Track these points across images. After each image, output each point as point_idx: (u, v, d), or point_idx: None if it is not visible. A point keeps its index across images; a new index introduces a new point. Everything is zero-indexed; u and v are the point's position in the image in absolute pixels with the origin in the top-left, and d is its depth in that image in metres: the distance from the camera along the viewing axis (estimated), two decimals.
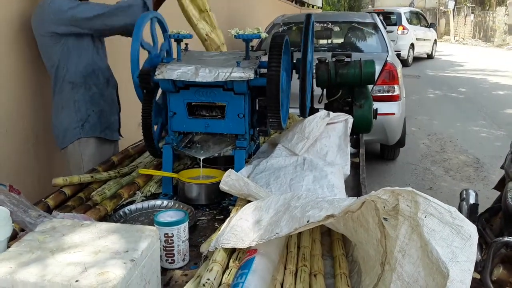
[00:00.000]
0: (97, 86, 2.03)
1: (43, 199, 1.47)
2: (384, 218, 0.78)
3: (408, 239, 0.72)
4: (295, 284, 0.96)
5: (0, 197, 1.02)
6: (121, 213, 1.39)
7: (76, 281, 0.75)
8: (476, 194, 2.44)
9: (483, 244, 2.03)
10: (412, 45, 12.65)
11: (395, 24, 12.28)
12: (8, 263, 0.81)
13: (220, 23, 2.74)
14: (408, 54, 12.33)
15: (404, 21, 12.68)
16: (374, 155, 4.88)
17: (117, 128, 2.17)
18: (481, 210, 2.30)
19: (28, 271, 0.79)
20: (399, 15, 12.72)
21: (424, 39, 13.92)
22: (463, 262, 0.64)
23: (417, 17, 14.24)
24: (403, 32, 12.33)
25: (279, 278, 0.97)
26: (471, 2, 23.61)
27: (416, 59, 13.62)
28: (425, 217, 0.69)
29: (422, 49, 13.86)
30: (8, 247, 0.89)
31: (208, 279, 0.90)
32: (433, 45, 14.77)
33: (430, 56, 14.70)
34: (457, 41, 23.67)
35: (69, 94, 1.96)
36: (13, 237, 1.00)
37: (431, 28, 14.47)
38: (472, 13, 23.28)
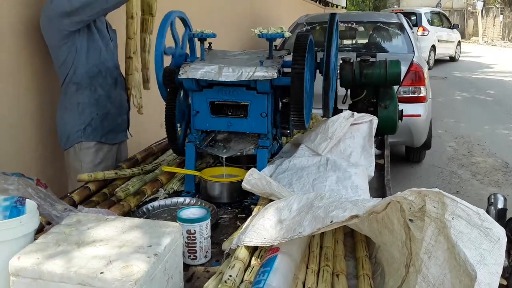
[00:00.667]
0: (104, 88, 1.95)
1: (68, 194, 1.50)
2: (410, 220, 0.77)
3: (435, 240, 0.71)
4: (317, 284, 0.95)
5: (28, 190, 1.05)
6: (144, 209, 1.41)
7: (101, 273, 0.77)
8: (505, 199, 2.37)
9: (510, 250, 1.97)
10: (433, 47, 12.21)
11: (415, 25, 11.79)
12: (36, 254, 0.83)
13: (243, 23, 2.68)
14: (429, 56, 11.85)
15: (425, 22, 12.21)
16: (399, 157, 4.81)
17: (124, 128, 2.11)
18: (509, 215, 2.23)
19: (55, 263, 0.80)
20: (419, 15, 12.25)
21: (447, 41, 13.39)
22: (491, 265, 0.63)
23: (439, 18, 13.70)
24: (423, 33, 11.88)
25: (301, 277, 0.97)
26: (500, 3, 22.99)
27: (440, 61, 13.27)
28: (453, 218, 0.67)
29: (444, 51, 13.35)
30: (35, 239, 0.91)
31: (230, 276, 0.90)
32: (456, 47, 14.25)
33: (453, 59, 14.15)
34: (485, 42, 23.10)
35: (73, 96, 1.91)
36: (40, 230, 1.03)
37: (454, 29, 13.99)
38: (501, 13, 22.68)
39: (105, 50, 1.96)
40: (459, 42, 14.56)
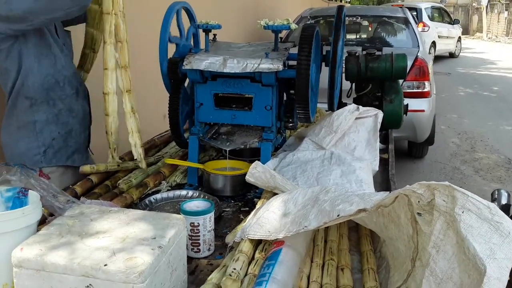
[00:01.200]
0: (64, 101, 1.63)
1: (70, 186, 1.50)
2: (418, 213, 0.76)
3: (443, 235, 0.70)
4: (322, 277, 0.94)
5: (31, 181, 1.04)
6: (146, 201, 1.40)
7: (105, 265, 0.76)
8: (509, 195, 2.35)
9: None
10: (433, 43, 12.00)
11: (415, 21, 11.67)
12: (39, 245, 0.82)
13: (247, 16, 2.63)
14: (429, 53, 11.80)
15: (425, 18, 11.92)
16: (402, 152, 4.79)
17: (87, 146, 1.81)
18: None
19: (58, 254, 0.80)
20: (419, 11, 11.87)
21: (447, 37, 13.13)
22: (501, 259, 0.62)
23: (440, 13, 13.38)
24: (424, 29, 11.60)
25: (305, 271, 0.96)
26: None
27: (444, 57, 13.14)
28: (463, 212, 0.66)
29: (444, 47, 13.08)
30: (38, 230, 0.90)
31: (234, 269, 0.89)
32: (456, 43, 14.00)
33: (452, 55, 13.86)
34: (489, 38, 22.97)
35: (27, 113, 1.57)
36: (42, 222, 1.02)
37: (455, 25, 13.79)
38: (506, 10, 22.53)
39: (61, 55, 1.63)
40: (459, 38, 14.34)
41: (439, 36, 12.41)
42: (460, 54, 14.45)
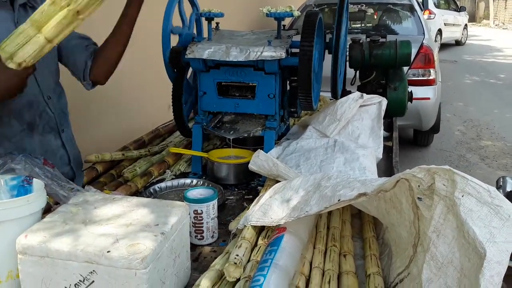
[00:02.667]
0: (11, 140, 1.29)
1: None
2: (419, 198, 0.76)
3: (443, 219, 0.70)
4: (324, 263, 0.95)
5: (35, 170, 1.05)
6: (151, 190, 1.41)
7: (108, 251, 0.77)
8: None
9: None
10: (439, 31, 11.76)
11: (420, 8, 11.42)
12: (43, 232, 0.83)
13: (250, 4, 2.60)
14: (435, 40, 11.61)
15: (431, 5, 11.60)
16: (407, 140, 4.77)
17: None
18: None
19: (62, 241, 0.80)
20: None
21: (454, 24, 12.85)
22: (501, 243, 0.62)
23: (446, 0, 13.08)
24: (429, 16, 11.34)
25: (308, 257, 0.97)
26: None
27: (450, 45, 12.94)
28: (462, 196, 0.66)
29: (451, 34, 12.79)
30: (42, 218, 0.91)
31: (237, 255, 0.90)
32: (463, 31, 13.72)
33: (458, 43, 13.59)
34: (496, 25, 22.66)
35: None
36: (47, 210, 1.03)
37: (461, 12, 13.54)
38: None
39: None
40: (465, 25, 14.08)
41: (445, 24, 12.19)
42: (467, 41, 14.24)
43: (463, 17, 13.57)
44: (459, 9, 13.33)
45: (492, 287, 0.60)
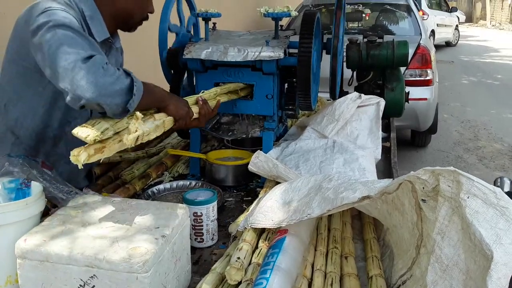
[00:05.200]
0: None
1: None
2: (423, 200, 0.75)
3: (448, 220, 0.69)
4: (326, 265, 0.94)
5: (33, 172, 1.03)
6: (149, 192, 1.40)
7: (108, 254, 0.76)
8: (511, 182, 2.35)
9: None
10: (432, 32, 11.63)
11: (417, 9, 11.26)
12: (42, 236, 0.82)
13: (247, 4, 2.57)
14: None
15: (424, 6, 11.54)
16: (404, 141, 4.77)
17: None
18: None
19: (61, 244, 0.79)
20: None
21: (446, 25, 12.73)
22: (507, 245, 0.61)
23: (438, 1, 12.98)
24: (423, 17, 11.33)
25: (309, 259, 0.96)
26: None
27: (442, 46, 12.89)
28: (468, 197, 0.65)
29: (443, 35, 12.66)
30: (41, 222, 0.90)
31: (238, 258, 0.89)
32: (454, 32, 13.56)
33: (449, 44, 13.40)
34: (493, 26, 22.75)
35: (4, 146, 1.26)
36: (45, 213, 1.02)
37: (452, 13, 13.47)
38: None
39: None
40: (457, 26, 14.02)
41: (437, 25, 12.15)
42: (459, 42, 14.20)
43: (454, 18, 13.51)
44: (450, 10, 13.28)
45: None
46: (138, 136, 0.98)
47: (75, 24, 1.09)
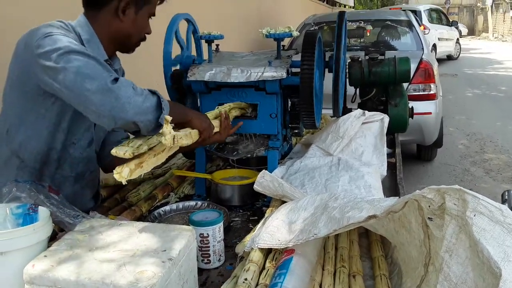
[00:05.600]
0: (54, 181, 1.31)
1: None
2: (429, 218, 0.75)
3: (456, 238, 0.69)
4: (334, 285, 0.93)
5: (40, 197, 1.04)
6: (155, 214, 1.40)
7: (116, 278, 0.76)
8: None
9: None
10: (434, 46, 11.41)
11: (418, 24, 11.15)
12: (49, 261, 0.82)
13: (251, 23, 2.60)
14: None
15: (425, 20, 11.40)
16: (410, 155, 4.76)
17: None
18: None
19: (69, 269, 0.80)
20: (419, 13, 11.24)
21: (447, 39, 12.76)
22: None
23: (438, 15, 12.98)
24: (424, 32, 11.32)
25: (317, 279, 0.95)
26: None
27: (445, 60, 12.87)
28: (474, 215, 0.65)
29: (444, 49, 12.71)
30: (48, 246, 0.91)
31: (246, 279, 0.89)
32: (455, 45, 13.59)
33: (451, 58, 13.42)
34: (496, 38, 22.86)
35: (8, 169, 1.27)
36: (53, 238, 1.02)
37: (453, 27, 13.20)
38: (511, 9, 22.40)
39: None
40: (457, 39, 13.90)
41: (439, 39, 12.13)
42: (462, 55, 14.18)
43: (455, 32, 13.50)
44: (450, 24, 13.27)
45: None
46: (174, 136, 1.06)
47: (84, 48, 1.11)
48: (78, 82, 1.04)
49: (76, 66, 1.05)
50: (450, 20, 13.59)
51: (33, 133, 1.23)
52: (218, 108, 1.42)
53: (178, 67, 1.65)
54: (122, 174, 0.93)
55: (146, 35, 1.33)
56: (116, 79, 1.05)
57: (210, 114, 1.35)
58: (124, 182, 0.94)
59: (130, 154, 0.96)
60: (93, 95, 1.02)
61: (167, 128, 1.03)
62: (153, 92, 1.11)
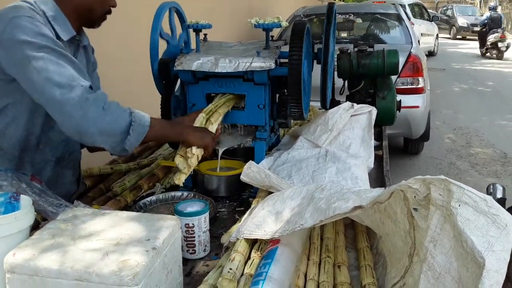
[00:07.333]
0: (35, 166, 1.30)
1: None
2: (414, 208, 0.75)
3: (440, 228, 0.69)
4: (319, 275, 0.93)
5: (22, 186, 1.02)
6: (141, 204, 1.39)
7: (98, 268, 0.75)
8: (504, 189, 2.36)
9: None
10: (417, 42, 11.44)
11: (408, 18, 10.95)
12: (31, 250, 0.81)
13: (240, 15, 2.58)
14: None
15: (409, 15, 11.53)
16: (397, 149, 4.79)
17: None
18: (508, 205, 2.22)
19: (51, 258, 0.78)
20: (403, 7, 11.43)
21: (428, 34, 12.43)
22: (499, 252, 0.61)
23: (420, 10, 12.75)
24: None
25: (302, 269, 0.95)
26: None
27: (439, 52, 12.90)
28: (459, 206, 0.65)
29: (426, 45, 12.21)
30: (31, 235, 0.89)
31: (231, 269, 0.88)
32: (435, 41, 13.28)
33: (432, 53, 13.08)
34: None
35: None
36: (35, 227, 1.00)
37: (433, 22, 12.89)
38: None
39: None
40: (437, 35, 13.61)
41: (421, 34, 11.99)
42: (451, 50, 14.14)
43: (435, 27, 13.32)
44: (431, 19, 13.14)
45: None
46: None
47: (52, 39, 1.08)
48: (46, 87, 1.00)
49: (45, 69, 1.01)
50: (431, 16, 13.43)
51: (12, 120, 1.20)
52: (211, 105, 1.44)
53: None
54: (181, 179, 1.20)
55: (111, 8, 1.29)
56: (90, 87, 1.01)
57: (199, 122, 1.35)
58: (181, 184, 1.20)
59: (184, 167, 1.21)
60: (58, 105, 0.99)
61: (183, 165, 1.22)
62: (130, 113, 1.07)
